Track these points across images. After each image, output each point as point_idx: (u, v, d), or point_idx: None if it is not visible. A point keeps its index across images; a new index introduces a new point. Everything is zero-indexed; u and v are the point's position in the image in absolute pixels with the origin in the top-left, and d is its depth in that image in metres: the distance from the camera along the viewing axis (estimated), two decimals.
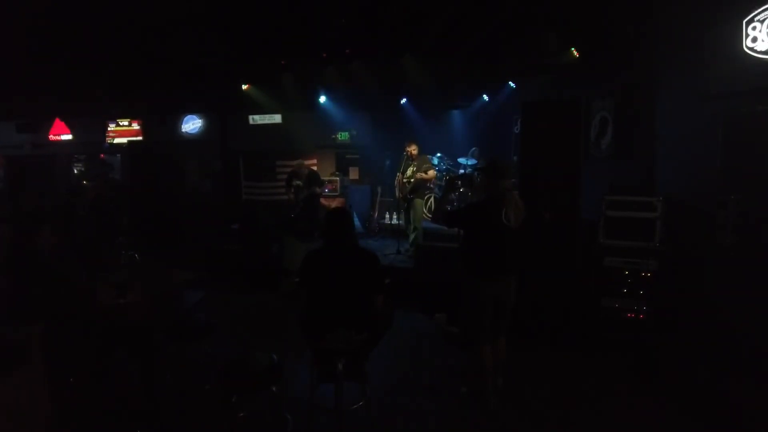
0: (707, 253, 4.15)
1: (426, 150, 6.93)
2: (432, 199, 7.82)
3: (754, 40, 3.79)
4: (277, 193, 9.30)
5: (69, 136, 10.74)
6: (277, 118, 9.72)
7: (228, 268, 6.63)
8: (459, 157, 8.31)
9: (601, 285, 4.44)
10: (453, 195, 6.09)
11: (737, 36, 3.90)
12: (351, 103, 9.13)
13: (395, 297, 4.65)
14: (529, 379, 3.73)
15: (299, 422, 3.09)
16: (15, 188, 9.88)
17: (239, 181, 9.85)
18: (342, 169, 9.46)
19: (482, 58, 7.11)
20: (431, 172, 6.46)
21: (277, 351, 2.96)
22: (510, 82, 8.13)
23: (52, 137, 10.73)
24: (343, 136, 9.57)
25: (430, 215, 7.04)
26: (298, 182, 7.44)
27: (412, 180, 6.40)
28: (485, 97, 8.84)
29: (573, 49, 6.00)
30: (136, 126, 10.31)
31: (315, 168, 8.65)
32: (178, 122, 10.15)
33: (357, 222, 8.12)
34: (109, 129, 10.36)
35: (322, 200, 8.16)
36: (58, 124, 10.68)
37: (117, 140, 10.33)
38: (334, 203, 8.45)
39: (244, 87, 8.84)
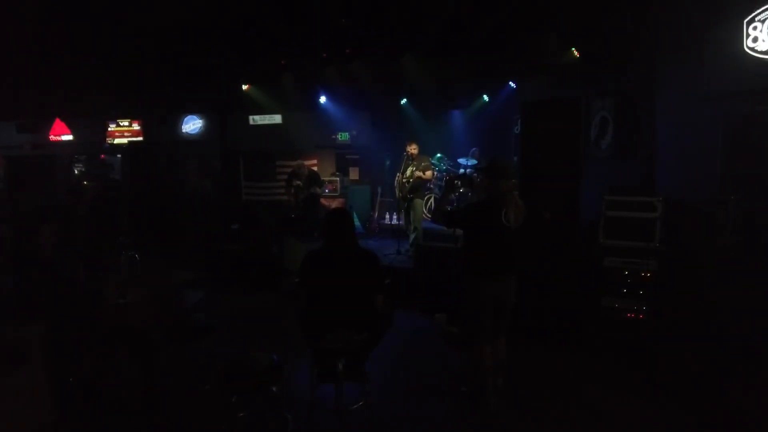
0: (707, 253, 4.15)
1: (426, 150, 6.93)
2: (432, 199, 7.82)
3: (755, 40, 3.79)
4: (277, 193, 9.31)
5: (69, 137, 10.73)
6: (277, 119, 9.72)
7: (228, 268, 6.63)
8: (459, 157, 8.32)
9: (601, 285, 4.44)
10: (453, 195, 6.09)
11: (738, 36, 3.90)
12: (351, 103, 9.13)
13: (395, 297, 4.66)
14: (529, 379, 3.73)
15: (299, 422, 3.08)
16: (15, 188, 9.88)
17: (239, 181, 9.85)
18: (342, 170, 9.46)
19: (482, 58, 7.12)
20: (429, 173, 6.46)
21: (277, 351, 2.95)
22: (510, 82, 8.13)
23: (52, 137, 10.72)
24: (343, 136, 9.57)
25: (430, 215, 7.04)
26: (298, 182, 7.44)
27: (411, 180, 6.40)
28: (485, 97, 8.84)
29: (573, 49, 6.00)
30: (136, 126, 10.30)
31: (315, 168, 8.65)
32: (178, 122, 10.15)
33: (357, 222, 8.12)
34: (109, 129, 10.36)
35: (322, 200, 8.16)
36: (59, 124, 10.68)
37: (117, 140, 10.33)
38: (334, 203, 8.45)
39: (244, 87, 8.85)
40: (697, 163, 4.44)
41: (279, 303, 5.67)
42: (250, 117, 9.75)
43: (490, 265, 3.17)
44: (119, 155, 10.37)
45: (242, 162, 9.83)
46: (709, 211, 4.11)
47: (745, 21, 3.84)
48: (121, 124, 10.31)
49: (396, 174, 6.76)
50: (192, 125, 10.21)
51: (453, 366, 3.96)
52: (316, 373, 2.89)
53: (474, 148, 8.29)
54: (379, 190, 8.62)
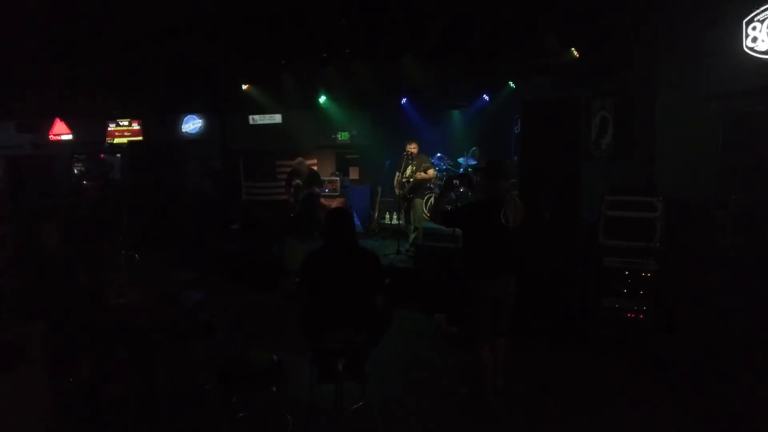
0: (707, 253, 4.15)
1: (426, 150, 6.93)
2: (432, 198, 7.82)
3: (754, 40, 3.79)
4: (277, 193, 9.30)
5: (69, 136, 10.73)
6: (277, 118, 9.71)
7: (228, 268, 6.63)
8: (459, 157, 8.31)
9: (601, 285, 4.44)
10: (453, 195, 6.09)
11: (737, 36, 3.90)
12: (351, 103, 9.13)
13: (395, 297, 4.66)
14: (529, 379, 3.73)
15: (299, 422, 3.09)
16: (15, 188, 9.88)
17: (239, 181, 9.85)
18: (342, 169, 9.46)
19: (482, 58, 7.11)
20: (431, 172, 6.45)
21: (277, 351, 2.96)
22: (510, 82, 8.13)
23: (52, 137, 10.72)
24: (343, 136, 9.56)
25: (429, 215, 7.04)
26: (298, 181, 7.44)
27: (411, 179, 6.40)
28: (485, 97, 8.84)
29: (573, 49, 6.00)
30: (136, 126, 10.30)
31: (315, 168, 8.65)
32: (178, 122, 10.16)
33: (357, 222, 8.12)
34: (109, 129, 10.36)
35: (322, 200, 8.16)
36: (59, 124, 10.68)
37: (117, 140, 10.33)
38: (334, 203, 8.45)
39: (244, 87, 8.84)
40: (697, 163, 4.44)
41: (279, 303, 5.67)
42: (250, 117, 9.75)
43: (490, 265, 3.17)
44: (119, 155, 10.37)
45: (242, 162, 9.83)
46: (709, 211, 4.11)
47: (744, 21, 3.85)
48: (121, 123, 10.30)
49: (396, 174, 6.76)
50: (192, 125, 10.21)
51: (453, 366, 3.96)
52: (316, 373, 2.89)
53: (474, 148, 8.28)
54: (379, 190, 8.61)
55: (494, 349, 3.28)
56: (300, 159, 7.82)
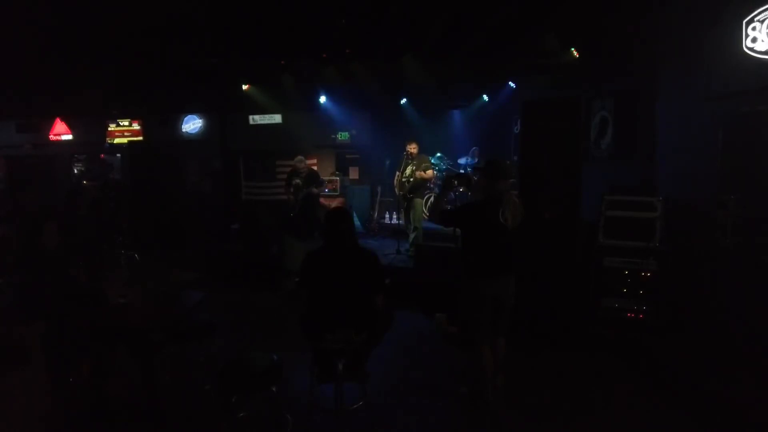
0: (707, 253, 4.15)
1: (426, 150, 6.93)
2: (432, 198, 7.82)
3: (754, 40, 3.79)
4: (277, 193, 9.29)
5: (69, 136, 10.74)
6: (277, 118, 9.71)
7: (228, 268, 6.62)
8: (459, 157, 8.31)
9: (601, 285, 4.44)
10: (452, 194, 6.09)
11: (737, 36, 3.91)
12: (351, 103, 9.13)
13: (395, 297, 4.64)
14: (529, 378, 3.73)
15: (299, 422, 3.09)
16: (16, 188, 9.87)
17: (239, 181, 9.85)
18: (342, 169, 9.45)
19: (482, 58, 7.11)
20: (430, 172, 6.45)
21: (277, 351, 2.96)
22: (510, 82, 8.13)
23: (52, 137, 10.72)
24: (343, 136, 9.56)
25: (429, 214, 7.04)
26: (298, 181, 7.43)
27: (411, 179, 6.40)
28: (485, 97, 8.84)
29: (573, 49, 6.00)
30: (136, 126, 10.30)
31: (315, 168, 8.65)
32: (178, 122, 10.16)
33: (357, 222, 8.11)
34: (109, 129, 10.36)
35: (322, 200, 8.15)
36: (59, 124, 10.68)
37: (117, 140, 10.33)
38: (334, 203, 8.44)
39: (244, 87, 8.84)
40: (697, 163, 4.44)
41: (279, 303, 5.67)
42: (250, 117, 9.75)
43: (489, 265, 3.17)
44: (119, 155, 10.37)
45: (242, 162, 9.83)
46: (709, 211, 4.11)
47: (744, 21, 3.85)
48: (121, 123, 10.31)
49: (396, 173, 6.76)
50: (192, 125, 10.21)
51: (453, 366, 3.96)
52: (316, 373, 2.89)
53: (474, 148, 8.29)
54: (379, 189, 8.61)
55: (494, 349, 3.28)
56: (300, 157, 7.80)
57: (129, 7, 5.24)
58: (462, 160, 8.19)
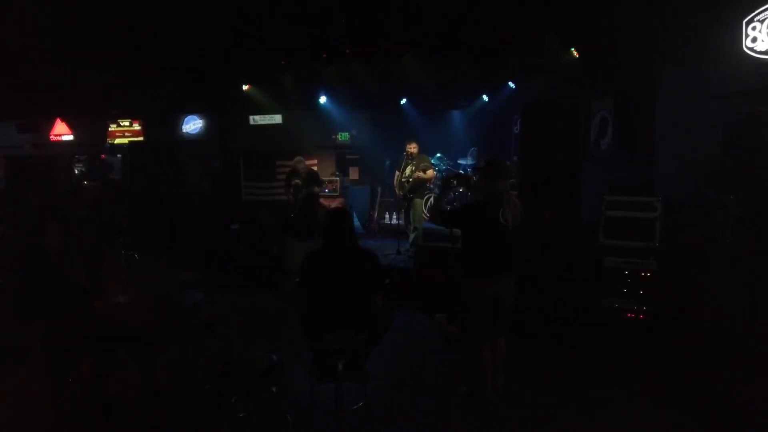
0: (707, 253, 4.15)
1: (426, 150, 6.93)
2: (432, 198, 7.82)
3: (754, 40, 3.79)
4: (277, 193, 9.28)
5: (70, 137, 10.74)
6: (277, 119, 9.72)
7: (228, 268, 6.62)
8: (459, 157, 8.31)
9: (601, 285, 4.44)
10: (452, 195, 6.09)
11: (737, 36, 3.91)
12: (351, 103, 9.14)
13: (395, 297, 4.65)
14: (529, 379, 3.73)
15: (299, 422, 3.09)
16: (17, 188, 9.88)
17: (239, 181, 9.84)
18: (342, 169, 9.45)
19: (482, 58, 7.11)
20: (430, 172, 6.45)
21: (277, 351, 2.96)
22: (510, 82, 8.13)
23: (52, 137, 10.73)
24: (343, 136, 9.57)
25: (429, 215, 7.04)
26: (297, 181, 7.43)
27: (410, 179, 6.40)
28: (485, 98, 8.84)
29: (573, 49, 6.00)
30: (136, 126, 10.31)
31: (315, 168, 8.65)
32: (178, 122, 10.16)
33: (357, 222, 8.12)
34: (109, 129, 10.37)
35: (322, 200, 8.16)
36: (59, 124, 10.69)
37: (118, 140, 10.34)
38: (334, 203, 8.45)
39: (244, 87, 8.84)
40: (697, 163, 4.44)
41: (279, 303, 5.68)
42: (250, 117, 9.75)
43: (488, 265, 3.18)
44: (120, 155, 10.38)
45: (242, 162, 9.82)
46: (709, 211, 4.11)
47: (744, 21, 3.85)
48: (122, 124, 10.32)
49: (396, 173, 6.76)
50: (192, 125, 10.22)
51: (453, 366, 3.96)
52: (316, 373, 2.89)
53: (473, 148, 8.29)
54: (379, 190, 8.61)
55: (494, 349, 3.28)
56: (299, 158, 7.80)
57: (129, 7, 5.25)
58: (462, 161, 8.19)
